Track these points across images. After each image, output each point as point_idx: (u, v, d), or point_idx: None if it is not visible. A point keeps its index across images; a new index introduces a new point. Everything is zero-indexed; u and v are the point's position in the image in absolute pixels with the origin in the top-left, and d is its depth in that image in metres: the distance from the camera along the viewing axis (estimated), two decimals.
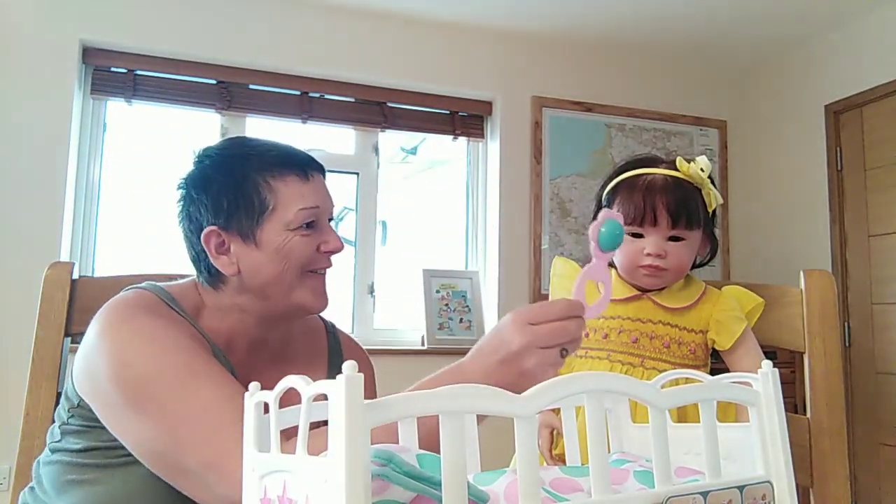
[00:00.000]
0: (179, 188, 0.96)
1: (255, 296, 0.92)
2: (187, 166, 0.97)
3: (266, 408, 0.48)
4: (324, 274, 0.96)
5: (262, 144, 0.95)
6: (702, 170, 1.09)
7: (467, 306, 3.36)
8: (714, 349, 1.14)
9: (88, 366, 0.84)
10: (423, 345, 3.25)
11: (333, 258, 0.97)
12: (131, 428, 0.80)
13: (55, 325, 1.07)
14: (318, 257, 0.94)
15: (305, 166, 0.94)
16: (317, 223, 0.93)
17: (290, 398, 0.47)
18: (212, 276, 0.93)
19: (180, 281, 0.98)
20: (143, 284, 0.93)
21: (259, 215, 0.90)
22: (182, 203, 0.95)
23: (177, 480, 0.78)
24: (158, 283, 0.94)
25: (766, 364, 0.49)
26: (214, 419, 0.75)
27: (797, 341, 1.16)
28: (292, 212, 0.90)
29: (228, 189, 0.90)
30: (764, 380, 0.50)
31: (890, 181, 3.14)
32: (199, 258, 0.93)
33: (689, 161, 1.10)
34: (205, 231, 0.90)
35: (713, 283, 1.17)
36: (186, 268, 1.00)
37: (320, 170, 0.97)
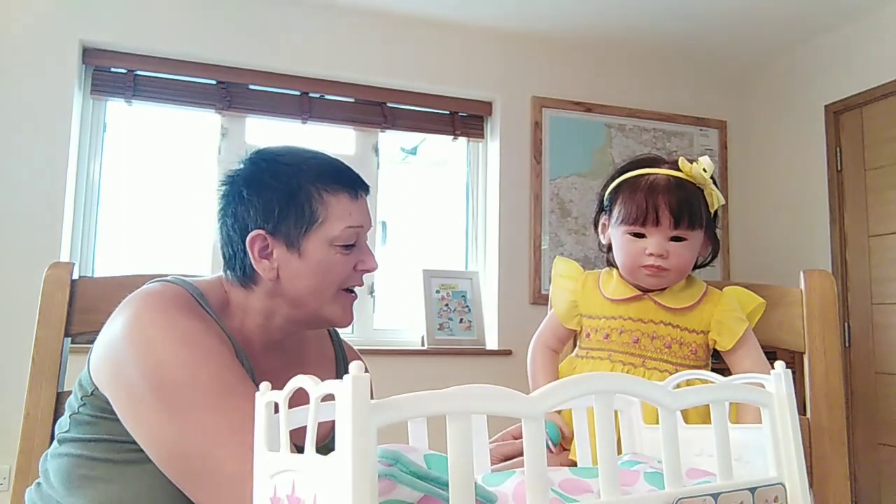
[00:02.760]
0: (226, 184, 0.96)
1: (285, 302, 0.94)
2: (237, 165, 0.97)
3: (276, 408, 0.48)
4: (355, 293, 0.99)
5: (318, 157, 0.97)
6: (704, 170, 1.09)
7: (467, 306, 3.36)
8: (714, 349, 1.13)
9: (113, 355, 0.83)
10: (423, 345, 3.25)
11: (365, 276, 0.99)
12: (154, 425, 0.79)
13: (55, 325, 1.07)
14: (354, 276, 0.96)
15: (356, 185, 0.96)
16: (357, 242, 0.95)
17: (296, 399, 0.47)
18: (245, 277, 0.94)
19: (206, 277, 0.98)
20: (169, 277, 0.92)
21: (308, 225, 0.91)
22: (228, 200, 0.95)
23: (192, 482, 0.77)
24: (186, 278, 0.93)
25: (780, 365, 0.49)
26: (249, 435, 0.74)
27: (797, 341, 1.16)
28: (339, 228, 0.92)
29: (281, 195, 0.91)
30: (777, 381, 0.49)
31: (890, 181, 3.14)
32: (235, 257, 0.94)
33: (691, 161, 1.10)
34: (251, 234, 0.91)
35: (714, 283, 1.17)
36: (186, 268, 1.00)
37: (367, 190, 0.99)
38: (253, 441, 0.73)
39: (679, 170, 1.10)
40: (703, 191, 1.10)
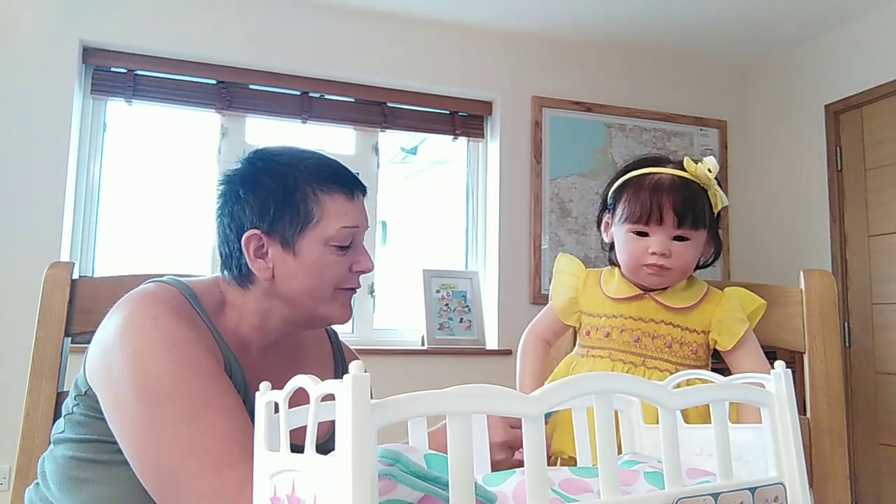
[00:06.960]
0: (224, 184, 0.96)
1: (281, 302, 0.93)
2: (235, 165, 0.97)
3: (276, 408, 0.48)
4: (352, 290, 0.98)
5: (314, 157, 0.97)
6: (709, 170, 1.09)
7: (467, 306, 3.36)
8: (715, 349, 1.13)
9: (106, 360, 0.83)
10: (423, 345, 3.25)
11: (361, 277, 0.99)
12: (135, 433, 0.79)
13: (55, 325, 1.07)
14: (350, 277, 0.96)
15: (353, 186, 0.96)
16: (352, 243, 0.95)
17: (296, 399, 0.47)
18: (242, 276, 0.94)
19: (202, 277, 0.98)
20: (165, 278, 0.92)
21: (303, 225, 0.91)
22: (225, 199, 0.95)
23: (162, 495, 0.78)
24: (181, 279, 0.93)
25: (780, 365, 0.49)
26: (222, 455, 0.75)
27: (797, 341, 1.16)
28: (335, 228, 0.92)
29: (277, 195, 0.91)
30: (777, 380, 0.49)
31: (890, 181, 3.14)
32: (231, 256, 0.94)
33: (696, 161, 1.10)
34: (247, 233, 0.91)
35: (714, 283, 1.17)
36: (186, 268, 1.00)
37: (364, 191, 0.99)
38: (226, 458, 0.74)
39: (684, 169, 1.10)
40: (707, 191, 1.10)
